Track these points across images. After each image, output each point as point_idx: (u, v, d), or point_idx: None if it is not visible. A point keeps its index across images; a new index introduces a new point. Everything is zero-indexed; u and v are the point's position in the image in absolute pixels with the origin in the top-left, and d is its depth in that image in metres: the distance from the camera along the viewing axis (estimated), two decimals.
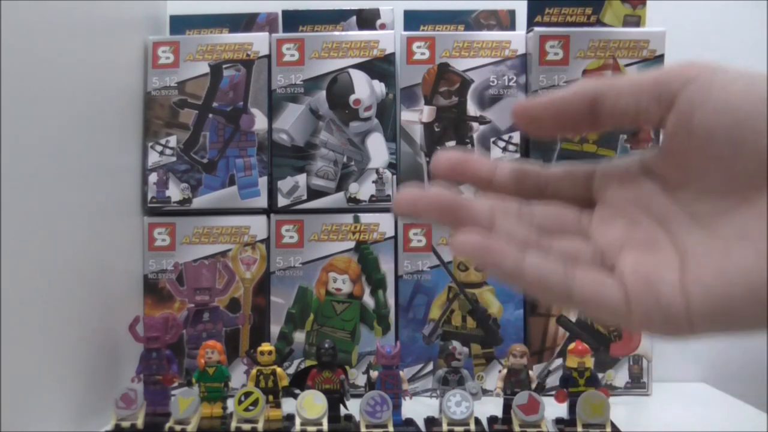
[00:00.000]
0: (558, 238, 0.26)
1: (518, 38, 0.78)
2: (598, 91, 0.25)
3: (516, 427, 0.60)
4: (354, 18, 0.83)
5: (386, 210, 0.77)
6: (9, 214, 0.50)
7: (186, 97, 0.79)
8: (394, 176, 0.77)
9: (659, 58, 0.76)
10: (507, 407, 0.62)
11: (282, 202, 0.78)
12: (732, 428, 0.66)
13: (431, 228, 0.77)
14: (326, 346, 0.63)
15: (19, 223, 0.52)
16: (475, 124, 0.77)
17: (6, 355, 0.49)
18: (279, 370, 0.63)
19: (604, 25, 0.79)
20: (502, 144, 0.77)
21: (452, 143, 0.77)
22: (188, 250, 0.77)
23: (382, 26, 0.83)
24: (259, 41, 0.79)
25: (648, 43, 0.76)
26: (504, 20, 0.84)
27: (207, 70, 0.79)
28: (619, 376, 0.77)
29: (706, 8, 0.88)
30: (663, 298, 0.23)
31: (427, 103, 0.77)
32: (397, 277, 0.77)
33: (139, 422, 0.61)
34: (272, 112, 0.78)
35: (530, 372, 0.63)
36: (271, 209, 0.78)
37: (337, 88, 0.78)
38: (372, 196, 0.77)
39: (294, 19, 0.84)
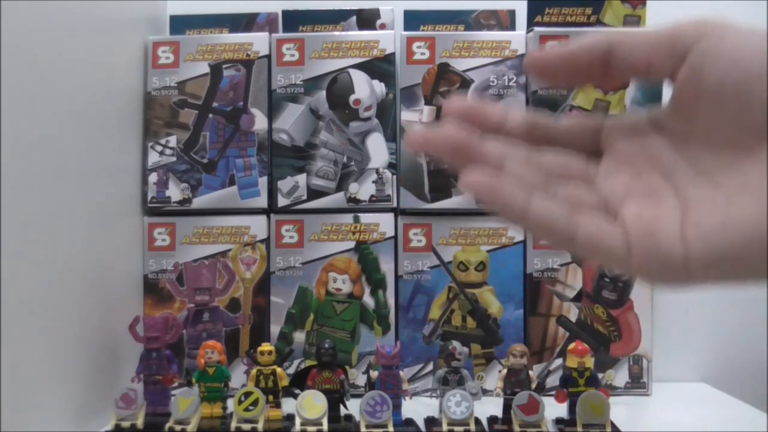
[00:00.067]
0: (564, 184, 0.26)
1: (518, 38, 0.78)
2: (612, 43, 0.26)
3: (516, 427, 0.60)
4: (354, 18, 0.83)
5: (386, 210, 0.77)
6: (9, 214, 0.50)
7: (186, 97, 0.79)
8: (394, 176, 0.77)
9: None
10: (507, 407, 0.62)
11: (282, 202, 0.78)
12: (732, 428, 0.66)
13: (431, 228, 0.77)
14: (326, 346, 0.63)
15: (19, 223, 0.52)
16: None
17: (6, 355, 0.49)
18: (279, 370, 0.63)
19: (604, 25, 0.79)
20: None
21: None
22: (188, 250, 0.77)
23: (382, 26, 0.83)
24: (259, 41, 0.79)
25: None
26: (504, 20, 0.84)
27: (207, 70, 0.79)
28: (619, 376, 0.77)
29: (706, 8, 0.88)
30: (663, 244, 0.23)
31: (427, 103, 0.77)
32: (397, 277, 0.77)
33: (139, 422, 0.61)
34: (272, 112, 0.78)
35: (530, 372, 0.63)
36: (271, 209, 0.78)
37: (337, 88, 0.78)
38: (372, 196, 0.77)
39: (294, 19, 0.84)
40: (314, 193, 0.77)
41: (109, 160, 0.70)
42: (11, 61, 0.50)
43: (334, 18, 0.84)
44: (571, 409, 0.61)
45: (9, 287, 0.50)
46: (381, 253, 0.77)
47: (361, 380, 0.75)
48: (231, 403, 0.62)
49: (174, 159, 0.78)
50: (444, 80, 0.77)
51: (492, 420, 0.63)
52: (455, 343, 0.65)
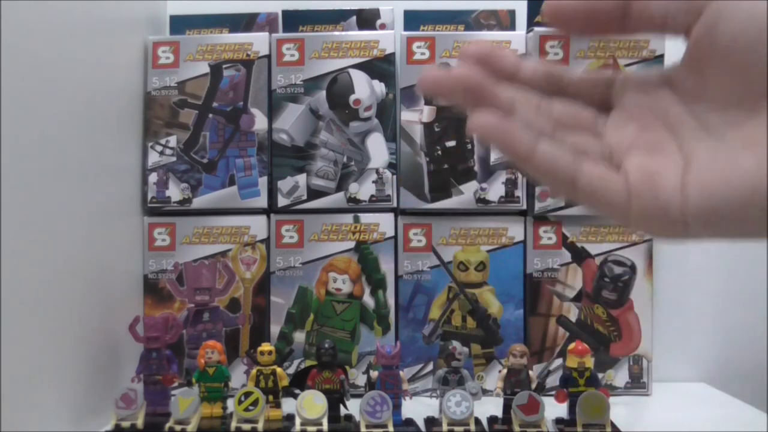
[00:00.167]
0: (572, 133, 0.27)
1: (518, 38, 0.78)
2: None
3: (516, 427, 0.60)
4: (354, 18, 0.83)
5: (386, 210, 0.77)
6: (9, 214, 0.50)
7: (186, 97, 0.79)
8: (394, 176, 0.77)
9: (659, 58, 0.76)
10: (507, 407, 0.62)
11: (282, 202, 0.78)
12: (732, 428, 0.66)
13: (431, 228, 0.77)
14: (326, 346, 0.63)
15: (19, 223, 0.52)
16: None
17: (6, 355, 0.49)
18: (279, 370, 0.63)
19: None
20: None
21: (452, 143, 0.77)
22: (188, 250, 0.77)
23: (382, 26, 0.83)
24: (259, 41, 0.79)
25: (648, 43, 0.76)
26: (504, 20, 0.84)
27: (207, 70, 0.79)
28: (619, 376, 0.77)
29: None
30: (662, 195, 0.24)
31: (427, 103, 0.77)
32: (397, 277, 0.77)
33: (139, 422, 0.61)
34: (272, 112, 0.78)
35: (530, 372, 0.63)
36: (271, 209, 0.78)
37: (337, 88, 0.78)
38: (372, 196, 0.77)
39: (294, 19, 0.84)
40: (314, 193, 0.77)
41: (109, 160, 0.70)
42: (11, 61, 0.51)
43: (334, 18, 0.84)
44: (571, 409, 0.61)
45: (9, 287, 0.50)
46: (381, 253, 0.77)
47: (361, 380, 0.75)
48: (231, 403, 0.62)
49: (174, 159, 0.78)
50: None
51: (492, 420, 0.63)
52: (455, 343, 0.65)
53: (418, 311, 0.77)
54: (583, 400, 0.60)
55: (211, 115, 0.79)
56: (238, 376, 0.74)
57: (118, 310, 0.70)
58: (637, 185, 0.25)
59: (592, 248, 0.77)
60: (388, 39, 0.78)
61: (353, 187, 0.77)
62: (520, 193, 0.76)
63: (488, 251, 0.77)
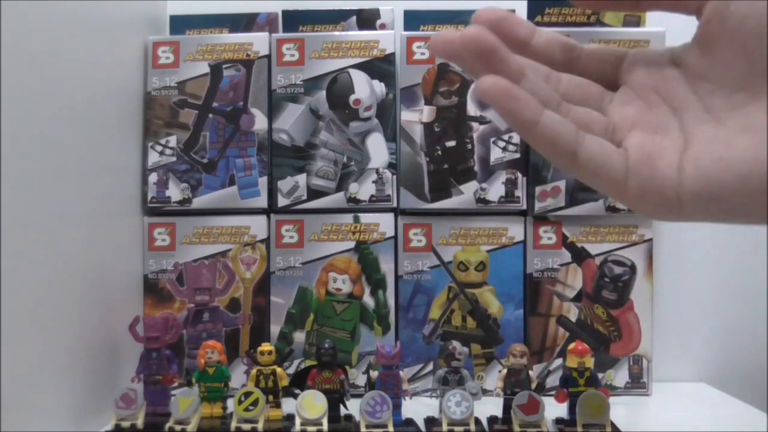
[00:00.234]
0: (577, 106, 0.27)
1: None
2: None
3: (516, 427, 0.60)
4: (354, 18, 0.83)
5: (386, 210, 0.77)
6: (9, 214, 0.50)
7: (186, 97, 0.79)
8: (394, 176, 0.77)
9: None
10: (507, 407, 0.62)
11: (282, 202, 0.78)
12: (732, 428, 0.66)
13: (431, 228, 0.77)
14: (326, 346, 0.63)
15: (19, 223, 0.52)
16: (475, 124, 0.77)
17: (6, 355, 0.49)
18: (279, 370, 0.63)
19: (604, 25, 0.79)
20: (502, 144, 0.77)
21: (452, 143, 0.77)
22: (188, 250, 0.77)
23: (382, 26, 0.83)
24: (259, 41, 0.79)
25: (648, 43, 0.76)
26: None
27: (207, 70, 0.79)
28: (619, 376, 0.77)
29: None
30: (659, 173, 0.24)
31: (427, 103, 0.77)
32: (397, 277, 0.77)
33: (139, 422, 0.61)
34: (272, 112, 0.78)
35: (530, 372, 0.63)
36: (271, 209, 0.78)
37: (337, 88, 0.78)
38: (372, 196, 0.77)
39: (294, 19, 0.84)
40: (314, 193, 0.77)
41: (109, 160, 0.70)
42: (11, 61, 0.51)
43: (334, 18, 0.84)
44: (571, 409, 0.61)
45: (9, 287, 0.50)
46: (381, 253, 0.77)
47: (361, 380, 0.75)
48: (231, 403, 0.62)
49: (174, 159, 0.78)
50: (444, 80, 0.77)
51: (492, 420, 0.63)
52: (455, 343, 0.65)
53: (418, 311, 0.77)
54: (583, 400, 0.60)
55: (211, 115, 0.79)
56: (238, 376, 0.74)
57: (118, 310, 0.70)
58: (635, 163, 0.25)
59: (592, 248, 0.77)
60: (388, 39, 0.78)
61: (353, 187, 0.77)
62: (520, 193, 0.76)
63: (488, 251, 0.77)
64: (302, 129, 0.78)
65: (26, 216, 0.53)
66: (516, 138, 0.77)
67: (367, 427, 0.59)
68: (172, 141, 0.78)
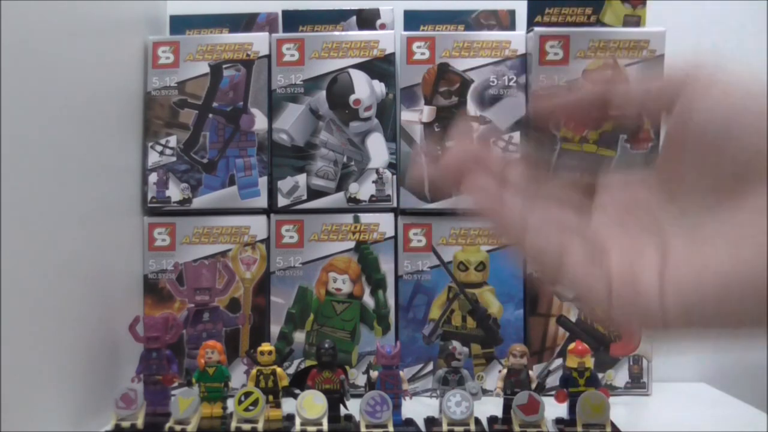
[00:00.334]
0: (557, 227, 0.27)
1: (518, 38, 0.78)
2: (609, 91, 0.27)
3: (516, 427, 0.60)
4: (354, 18, 0.83)
5: (386, 210, 0.77)
6: (9, 214, 0.50)
7: (186, 97, 0.79)
8: (394, 176, 0.77)
9: (659, 58, 0.76)
10: (507, 407, 0.62)
11: (282, 202, 0.78)
12: (732, 428, 0.66)
13: (431, 228, 0.77)
14: (326, 346, 0.63)
15: (19, 223, 0.52)
16: (475, 124, 0.77)
17: (6, 355, 0.49)
18: (279, 370, 0.63)
19: (604, 25, 0.79)
20: (502, 144, 0.77)
21: (452, 143, 0.77)
22: (188, 250, 0.77)
23: (382, 26, 0.83)
24: (259, 41, 0.79)
25: (648, 43, 0.76)
26: (504, 20, 0.84)
27: (207, 70, 0.79)
28: (619, 376, 0.77)
29: (706, 8, 0.88)
30: (641, 294, 0.24)
31: (427, 103, 0.77)
32: (397, 277, 0.77)
33: (139, 422, 0.61)
34: (272, 112, 0.78)
35: (530, 372, 0.63)
36: (271, 209, 0.78)
37: (337, 88, 0.78)
38: (372, 196, 0.77)
39: (294, 19, 0.84)
40: (314, 193, 0.77)
41: (109, 160, 0.70)
42: (11, 61, 0.50)
43: (334, 18, 0.84)
44: (571, 409, 0.61)
45: (9, 287, 0.50)
46: (381, 253, 0.77)
47: (361, 380, 0.75)
48: (231, 403, 0.62)
49: (174, 159, 0.78)
50: (444, 80, 0.77)
51: (492, 420, 0.63)
52: (455, 343, 0.65)
53: (418, 311, 0.77)
54: (583, 400, 0.60)
55: (211, 115, 0.79)
56: (238, 376, 0.74)
57: (118, 310, 0.70)
58: (617, 284, 0.24)
59: None
60: (388, 39, 0.78)
61: (353, 187, 0.77)
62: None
63: (488, 251, 0.77)
64: (302, 129, 0.78)
65: (26, 216, 0.53)
66: (516, 138, 0.77)
67: (367, 427, 0.59)
68: (172, 141, 0.78)
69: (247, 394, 0.60)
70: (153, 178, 0.78)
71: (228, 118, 0.78)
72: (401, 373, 0.63)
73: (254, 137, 0.78)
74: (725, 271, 0.22)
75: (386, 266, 0.77)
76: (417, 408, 0.67)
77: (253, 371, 0.63)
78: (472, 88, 0.77)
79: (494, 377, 0.74)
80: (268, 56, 0.79)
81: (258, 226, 0.77)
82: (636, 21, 0.79)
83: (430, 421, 0.63)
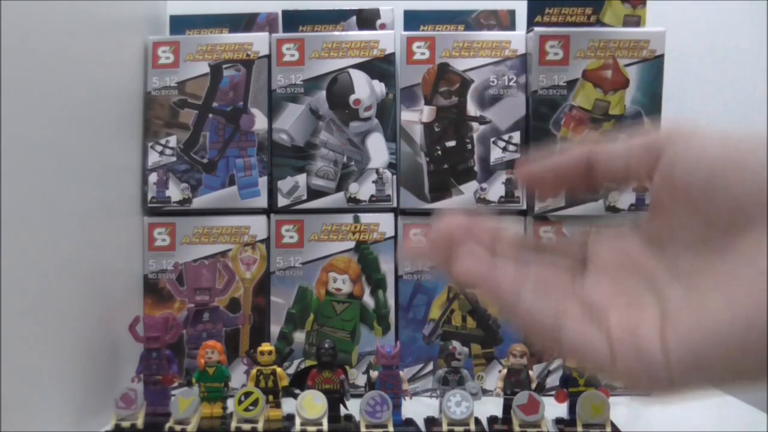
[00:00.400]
0: (552, 291, 0.27)
1: (518, 38, 0.78)
2: (593, 153, 0.28)
3: (516, 427, 0.60)
4: (354, 18, 0.83)
5: (386, 210, 0.77)
6: (9, 214, 0.50)
7: (186, 97, 0.79)
8: (394, 176, 0.77)
9: (659, 58, 0.76)
10: (507, 407, 0.62)
11: (282, 202, 0.78)
12: (732, 428, 0.66)
13: (431, 228, 0.77)
14: (326, 346, 0.63)
15: (19, 222, 0.52)
16: (475, 124, 0.77)
17: (6, 355, 0.49)
18: (279, 370, 0.63)
19: (604, 25, 0.79)
20: (502, 144, 0.77)
21: (452, 143, 0.77)
22: (188, 250, 0.77)
23: (382, 26, 0.83)
24: (259, 41, 0.79)
25: (648, 43, 0.76)
26: (504, 20, 0.84)
27: (207, 70, 0.79)
28: None
29: (706, 8, 0.88)
30: (644, 354, 0.23)
31: (427, 103, 0.77)
32: (397, 277, 0.77)
33: (139, 422, 0.61)
34: (272, 112, 0.78)
35: (530, 372, 0.63)
36: (271, 209, 0.78)
37: (337, 88, 0.78)
38: (372, 196, 0.77)
39: (294, 19, 0.84)
40: (314, 193, 0.77)
41: (109, 160, 0.70)
42: (11, 61, 0.50)
43: (334, 18, 0.84)
44: (571, 409, 0.61)
45: (9, 287, 0.50)
46: (381, 253, 0.77)
47: (361, 380, 0.75)
48: (231, 403, 0.62)
49: (174, 159, 0.78)
50: (444, 80, 0.77)
51: (492, 420, 0.63)
52: (455, 343, 0.65)
53: (418, 311, 0.77)
54: (583, 400, 0.60)
55: (211, 115, 0.79)
56: (238, 376, 0.74)
57: (118, 310, 0.70)
58: (619, 346, 0.24)
59: None
60: (388, 39, 0.78)
61: (353, 187, 0.77)
62: (520, 192, 0.76)
63: None
64: (302, 129, 0.78)
65: (26, 216, 0.53)
66: (516, 138, 0.77)
67: (367, 427, 0.59)
68: (172, 141, 0.78)
69: (247, 394, 0.60)
70: (153, 178, 0.78)
71: (228, 118, 0.79)
72: (401, 373, 0.63)
73: (254, 137, 0.78)
74: (725, 320, 0.22)
75: (386, 266, 0.77)
76: (417, 408, 0.67)
77: (253, 371, 0.63)
78: (472, 88, 0.77)
79: (494, 377, 0.74)
80: (268, 56, 0.79)
81: (258, 226, 0.77)
82: (636, 21, 0.79)
83: (430, 421, 0.63)
